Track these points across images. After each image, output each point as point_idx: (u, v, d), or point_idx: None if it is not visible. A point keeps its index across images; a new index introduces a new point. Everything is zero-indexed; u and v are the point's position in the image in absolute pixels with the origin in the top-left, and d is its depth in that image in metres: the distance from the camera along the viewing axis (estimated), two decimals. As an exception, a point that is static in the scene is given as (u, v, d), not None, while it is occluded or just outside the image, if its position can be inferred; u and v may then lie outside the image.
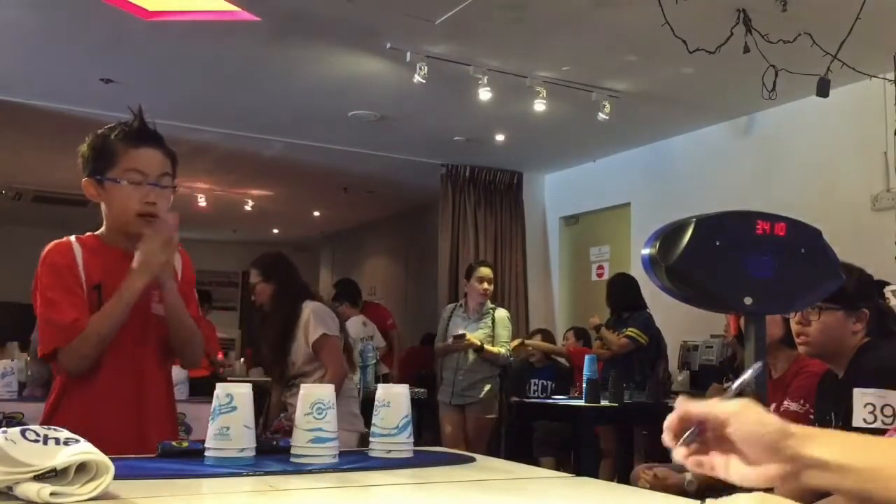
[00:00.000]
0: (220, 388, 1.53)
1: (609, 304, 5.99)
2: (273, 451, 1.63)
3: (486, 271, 5.62)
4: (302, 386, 1.61)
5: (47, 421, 1.92)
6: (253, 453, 1.53)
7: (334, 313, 4.03)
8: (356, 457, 1.74)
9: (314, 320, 3.81)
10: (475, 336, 5.57)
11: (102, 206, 2.04)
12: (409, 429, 1.66)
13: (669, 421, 0.95)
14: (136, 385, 1.98)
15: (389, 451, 1.64)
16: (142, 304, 1.97)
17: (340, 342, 3.91)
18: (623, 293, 5.85)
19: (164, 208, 1.99)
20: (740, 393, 0.93)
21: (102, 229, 2.06)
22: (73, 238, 2.04)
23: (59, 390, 1.99)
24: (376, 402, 1.67)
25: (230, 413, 1.51)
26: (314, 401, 1.56)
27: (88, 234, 2.07)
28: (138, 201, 1.96)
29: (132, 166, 1.97)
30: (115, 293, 1.92)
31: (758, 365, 0.84)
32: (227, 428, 1.50)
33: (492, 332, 5.62)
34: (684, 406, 0.95)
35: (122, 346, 1.94)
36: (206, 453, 1.51)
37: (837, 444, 0.89)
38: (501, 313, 5.72)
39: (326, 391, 1.58)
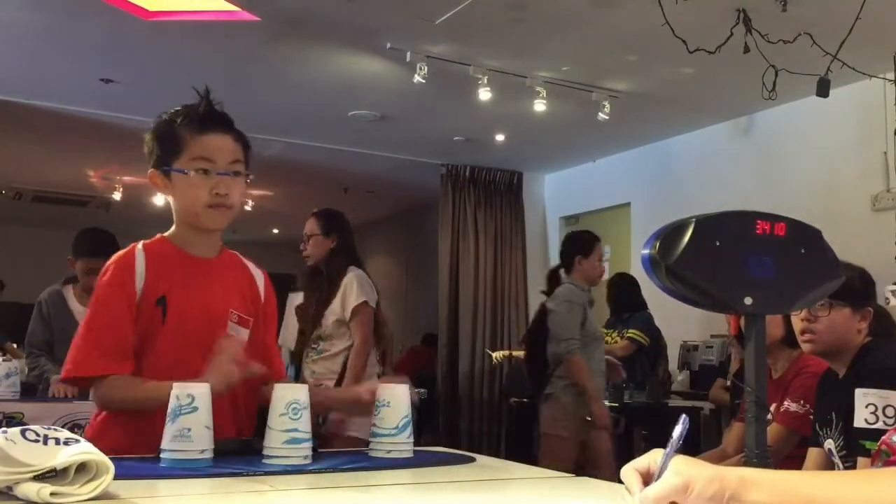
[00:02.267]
0: (179, 389, 1.50)
1: (610, 304, 5.98)
2: (244, 451, 1.61)
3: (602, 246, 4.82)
4: (276, 386, 1.56)
5: (94, 435, 1.79)
6: (210, 455, 1.49)
7: None
8: (356, 457, 1.74)
9: (357, 286, 3.82)
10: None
11: (171, 199, 1.89)
12: (409, 429, 1.66)
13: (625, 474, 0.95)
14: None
15: (389, 451, 1.64)
16: (217, 325, 1.83)
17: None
18: (624, 293, 5.85)
19: (236, 198, 1.85)
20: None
21: (172, 228, 1.91)
22: (140, 246, 1.86)
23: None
24: (376, 402, 1.67)
25: (190, 414, 1.48)
26: (290, 401, 1.53)
27: (158, 236, 1.91)
28: (208, 192, 1.81)
29: (199, 154, 1.82)
30: (163, 385, 1.59)
31: (684, 418, 0.84)
32: (189, 429, 1.47)
33: None
34: (629, 474, 0.94)
35: (191, 368, 1.69)
36: (163, 455, 1.48)
37: (778, 484, 0.90)
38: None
39: (301, 393, 1.55)
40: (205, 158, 1.82)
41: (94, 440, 1.66)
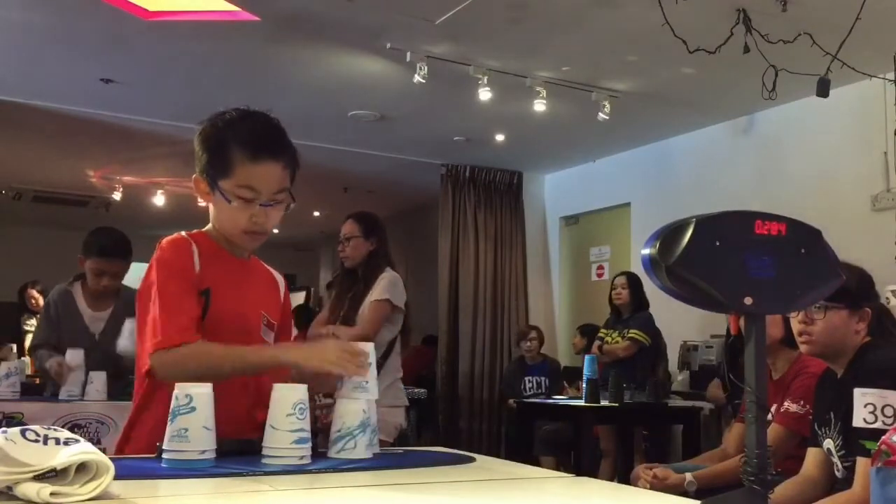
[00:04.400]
0: (179, 389, 1.49)
1: (630, 303, 5.86)
2: (245, 451, 1.60)
3: None
4: (278, 386, 1.55)
5: (128, 429, 1.82)
6: (212, 455, 1.49)
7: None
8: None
9: (385, 285, 3.83)
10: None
11: (210, 206, 1.87)
12: (368, 438, 1.63)
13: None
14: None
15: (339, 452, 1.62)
16: (253, 328, 1.84)
17: (399, 317, 3.91)
18: (641, 292, 5.79)
19: (273, 223, 1.84)
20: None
21: (211, 228, 1.89)
22: (187, 235, 1.85)
23: (141, 400, 1.80)
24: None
25: (188, 414, 1.47)
26: (296, 401, 1.53)
27: (197, 231, 1.89)
28: (247, 219, 1.79)
29: (247, 183, 1.77)
30: (250, 349, 1.71)
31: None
32: (186, 429, 1.46)
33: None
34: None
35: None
36: (164, 455, 1.48)
37: None
38: None
39: (304, 393, 1.55)
40: (251, 188, 1.78)
41: (142, 407, 1.72)
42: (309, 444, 1.54)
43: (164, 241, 1.82)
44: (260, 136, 1.79)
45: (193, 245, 1.82)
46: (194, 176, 1.86)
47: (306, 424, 1.53)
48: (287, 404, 1.52)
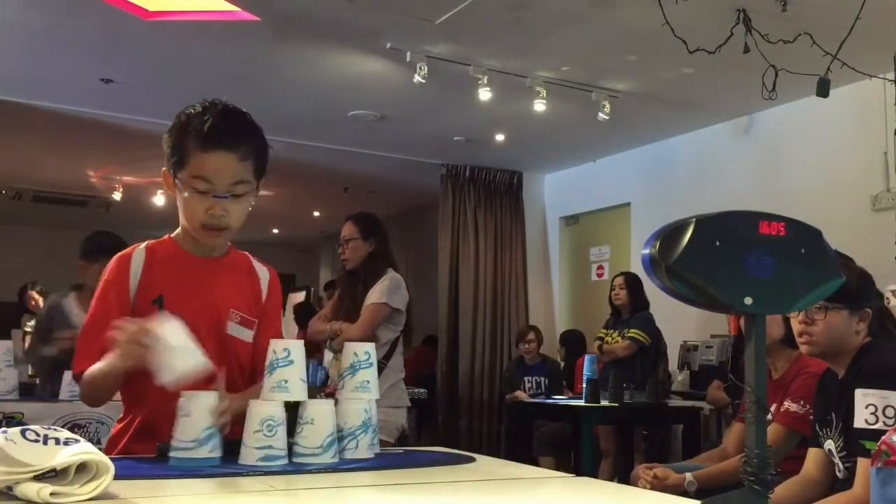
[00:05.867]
0: (275, 343, 1.59)
1: (629, 303, 5.86)
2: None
3: None
4: (251, 402, 1.55)
5: (114, 441, 1.84)
6: (219, 453, 1.52)
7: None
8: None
9: (386, 287, 3.82)
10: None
11: (177, 201, 1.84)
12: (335, 447, 1.57)
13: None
14: None
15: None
16: (216, 325, 1.82)
17: (400, 318, 3.91)
18: (639, 292, 5.80)
19: (234, 219, 1.80)
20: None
21: (179, 229, 1.88)
22: (143, 245, 1.86)
23: (125, 407, 1.86)
24: (299, 419, 1.58)
25: (287, 367, 1.56)
26: (264, 418, 1.52)
27: (166, 236, 1.90)
28: (203, 212, 1.77)
29: (199, 173, 1.75)
30: (103, 364, 1.68)
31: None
32: (286, 381, 1.55)
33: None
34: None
35: None
36: (172, 454, 1.51)
37: None
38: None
39: (277, 409, 1.54)
40: (203, 179, 1.75)
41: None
42: (282, 462, 1.52)
43: (114, 256, 1.87)
44: (213, 126, 1.75)
45: (141, 256, 1.84)
46: (163, 169, 1.85)
47: (275, 441, 1.51)
48: (255, 421, 1.52)
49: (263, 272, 1.98)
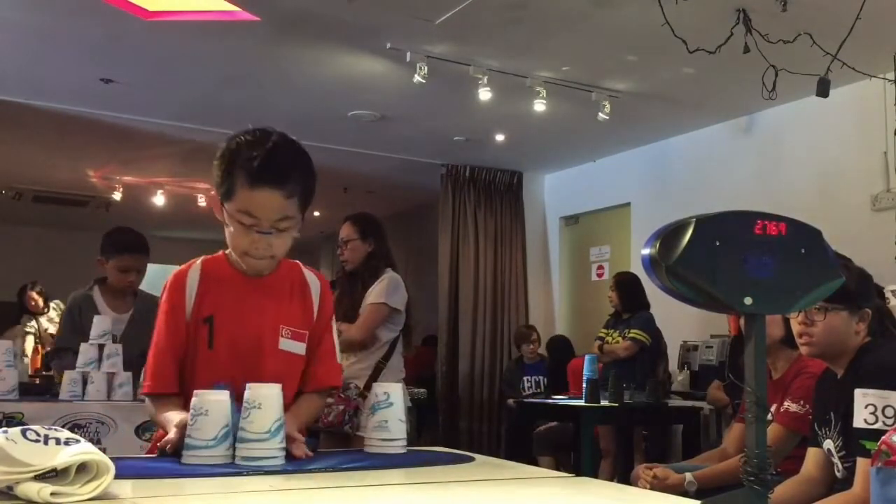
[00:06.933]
0: (378, 387, 1.79)
1: (620, 304, 5.88)
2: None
3: None
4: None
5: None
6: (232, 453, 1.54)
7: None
8: (355, 456, 1.75)
9: (385, 287, 3.82)
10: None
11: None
12: (282, 434, 1.54)
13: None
14: None
15: (258, 459, 1.51)
16: (264, 346, 1.85)
17: (399, 318, 3.90)
18: (630, 293, 5.81)
19: (279, 249, 1.83)
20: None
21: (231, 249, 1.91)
22: (198, 262, 1.91)
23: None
24: (245, 403, 1.54)
25: (387, 409, 1.73)
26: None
27: (221, 252, 1.92)
28: (248, 245, 1.80)
29: (245, 208, 1.77)
30: (159, 415, 1.81)
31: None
32: (386, 421, 1.73)
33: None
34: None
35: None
36: (186, 452, 1.53)
37: None
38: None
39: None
40: (249, 214, 1.77)
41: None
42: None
43: (170, 276, 1.90)
44: (261, 164, 1.75)
45: (196, 275, 1.88)
46: (212, 192, 1.88)
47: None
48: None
49: (314, 282, 1.99)
